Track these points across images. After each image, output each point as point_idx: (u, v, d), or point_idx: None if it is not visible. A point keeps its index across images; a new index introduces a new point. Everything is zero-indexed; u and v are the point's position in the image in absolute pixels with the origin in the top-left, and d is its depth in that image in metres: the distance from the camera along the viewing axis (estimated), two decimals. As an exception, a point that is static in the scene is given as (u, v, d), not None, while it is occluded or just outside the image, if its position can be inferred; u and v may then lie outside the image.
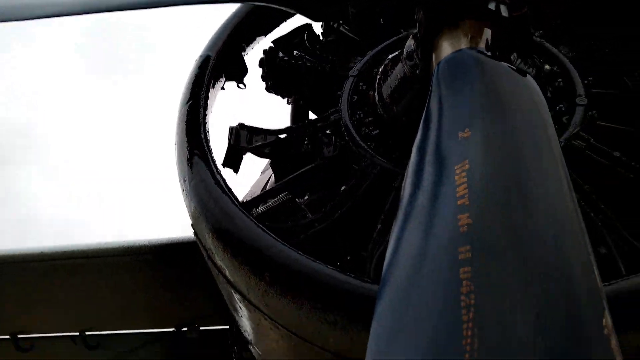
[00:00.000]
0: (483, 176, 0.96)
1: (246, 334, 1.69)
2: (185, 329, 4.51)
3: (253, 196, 1.69)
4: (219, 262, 1.43)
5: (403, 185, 1.13)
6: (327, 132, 1.90)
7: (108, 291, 3.88)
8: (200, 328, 4.54)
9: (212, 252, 1.45)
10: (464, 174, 0.99)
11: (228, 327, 4.94)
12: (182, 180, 1.56)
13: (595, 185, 1.45)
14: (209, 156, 1.56)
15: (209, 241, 1.40)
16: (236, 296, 1.43)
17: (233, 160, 1.90)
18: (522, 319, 0.74)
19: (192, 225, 1.58)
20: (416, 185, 1.09)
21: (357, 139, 1.65)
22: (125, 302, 4.03)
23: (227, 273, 1.41)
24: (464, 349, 0.74)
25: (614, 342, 0.70)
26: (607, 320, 0.72)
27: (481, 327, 0.75)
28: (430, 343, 0.80)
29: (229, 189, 1.47)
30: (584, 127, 1.56)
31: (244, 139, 1.91)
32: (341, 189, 1.60)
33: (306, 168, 1.73)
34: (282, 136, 1.89)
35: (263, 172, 2.91)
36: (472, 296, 0.80)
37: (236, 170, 1.94)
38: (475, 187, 0.95)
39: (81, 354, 4.51)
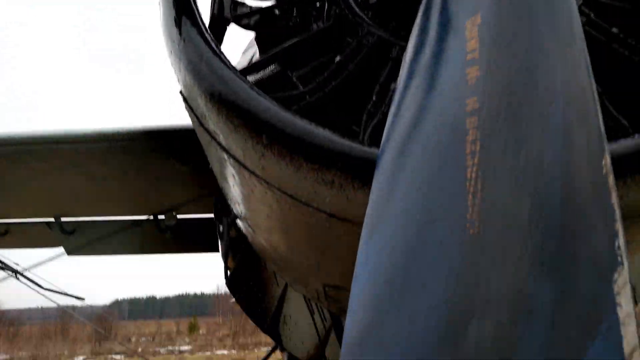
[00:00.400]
0: (496, 30, 0.93)
1: (236, 207, 1.69)
2: (162, 216, 4.58)
3: None
4: (212, 128, 1.39)
5: (407, 45, 1.09)
6: (317, 4, 1.79)
7: (82, 178, 3.84)
8: (178, 216, 4.62)
9: (204, 118, 1.40)
10: (475, 28, 0.95)
11: (205, 215, 5.05)
12: (169, 42, 1.47)
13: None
14: (198, 16, 1.46)
15: (202, 105, 1.35)
16: (230, 162, 1.41)
17: (216, 32, 1.79)
18: (524, 159, 0.75)
19: (181, 91, 1.52)
20: (422, 43, 1.05)
21: (354, 6, 1.56)
22: (100, 189, 4.01)
23: (220, 138, 1.38)
24: (468, 190, 0.76)
25: (611, 180, 0.72)
26: (607, 160, 0.74)
27: (485, 170, 0.77)
28: (433, 185, 0.81)
29: (221, 51, 1.40)
30: (585, 2, 1.52)
31: (228, 10, 1.79)
32: (335, 60, 1.54)
33: (298, 39, 1.65)
34: (269, 4, 1.77)
35: (244, 52, 2.79)
36: (478, 143, 0.80)
37: (219, 43, 1.84)
38: (486, 41, 0.92)
39: (57, 239, 4.57)
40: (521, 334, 0.62)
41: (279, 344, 1.83)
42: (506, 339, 0.63)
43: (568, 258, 0.64)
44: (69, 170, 3.75)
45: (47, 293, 4.28)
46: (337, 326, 1.77)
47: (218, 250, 5.08)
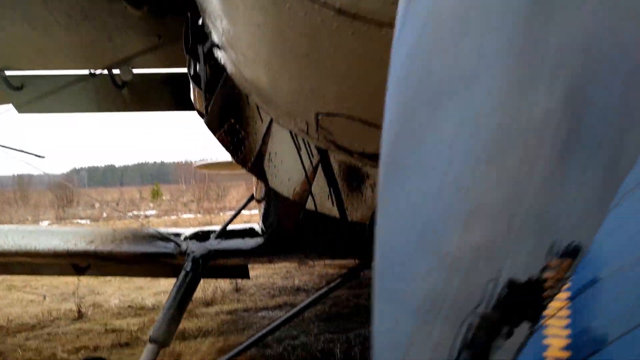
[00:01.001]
0: None
1: (218, 25, 1.44)
2: (117, 70, 4.30)
3: None
4: None
5: None
6: None
7: (22, 25, 3.45)
8: (134, 71, 4.35)
9: None
10: None
11: (163, 70, 4.76)
12: None
13: None
14: None
15: None
16: None
17: None
18: None
19: None
20: None
21: None
22: (45, 39, 3.65)
23: None
24: None
25: None
26: None
27: None
28: None
29: None
30: None
31: None
32: None
33: None
34: None
35: None
36: None
37: None
38: None
39: (5, 95, 4.26)
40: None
41: (264, 182, 1.78)
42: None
43: None
44: (6, 15, 3.35)
45: (3, 150, 4.08)
46: (324, 162, 1.71)
47: (179, 108, 4.89)
